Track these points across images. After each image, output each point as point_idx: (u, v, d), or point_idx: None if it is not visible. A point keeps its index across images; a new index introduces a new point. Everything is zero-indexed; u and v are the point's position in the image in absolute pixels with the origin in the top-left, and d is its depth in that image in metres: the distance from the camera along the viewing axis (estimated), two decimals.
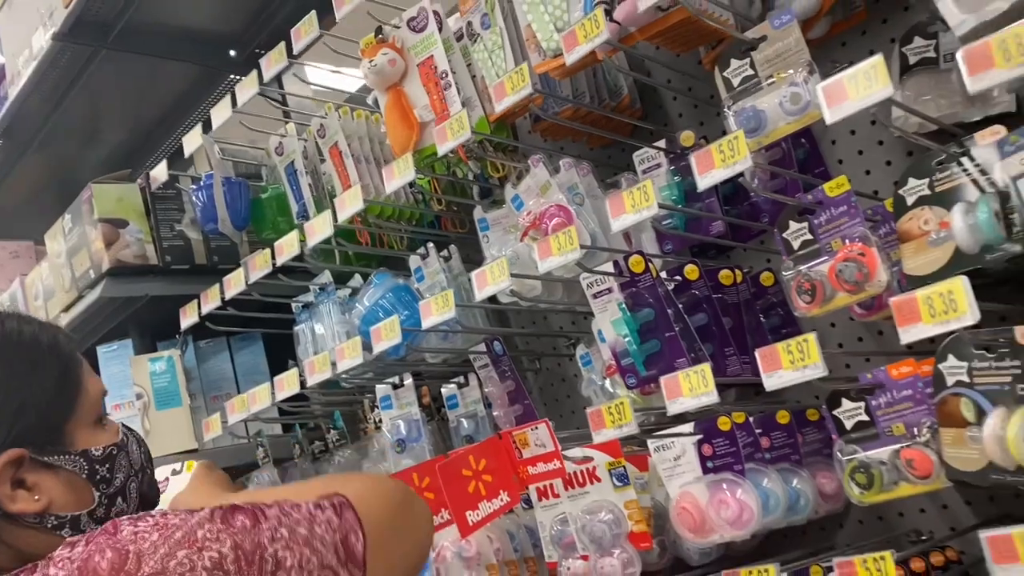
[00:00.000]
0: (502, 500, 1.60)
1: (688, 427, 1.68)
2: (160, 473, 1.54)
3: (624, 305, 1.66)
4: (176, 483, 1.58)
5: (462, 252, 2.32)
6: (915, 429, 1.38)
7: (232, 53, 3.10)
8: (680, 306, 1.67)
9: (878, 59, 1.21)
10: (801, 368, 1.26)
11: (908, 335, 1.18)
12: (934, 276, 1.38)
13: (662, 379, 1.43)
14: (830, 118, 1.24)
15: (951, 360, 1.30)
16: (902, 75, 1.70)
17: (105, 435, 1.18)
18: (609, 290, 1.70)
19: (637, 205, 1.44)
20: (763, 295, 1.89)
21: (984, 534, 1.16)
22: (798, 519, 1.71)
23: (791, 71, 1.51)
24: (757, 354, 1.34)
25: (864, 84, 1.19)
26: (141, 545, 0.96)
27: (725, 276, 1.80)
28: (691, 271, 1.76)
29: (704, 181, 1.40)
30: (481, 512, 1.55)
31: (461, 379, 2.38)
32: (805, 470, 1.72)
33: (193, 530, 0.98)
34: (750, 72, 1.57)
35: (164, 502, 1.51)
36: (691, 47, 1.92)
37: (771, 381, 1.32)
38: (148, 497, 1.25)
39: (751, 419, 1.72)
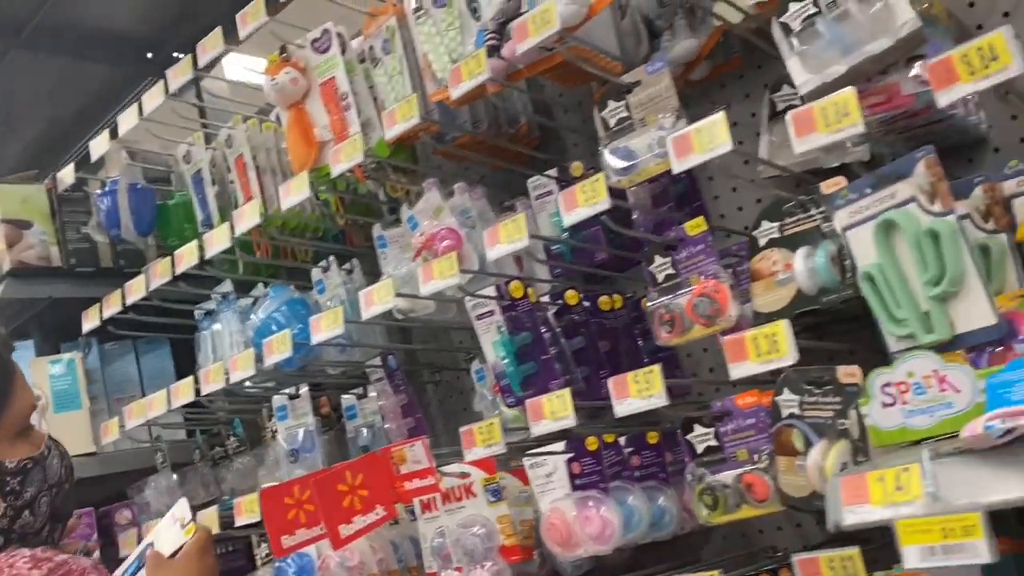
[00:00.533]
0: (377, 514, 1.66)
1: (560, 445, 1.76)
2: (171, 514, 1.51)
3: (503, 328, 1.74)
4: (166, 534, 1.52)
5: (366, 266, 2.37)
6: (756, 455, 1.49)
7: (149, 56, 3.11)
8: (557, 330, 1.76)
9: (719, 117, 1.31)
10: (647, 397, 1.35)
11: (737, 371, 1.28)
12: (779, 313, 1.49)
13: (527, 402, 1.51)
14: (677, 167, 1.34)
15: (786, 393, 1.40)
16: (770, 120, 1.81)
17: (25, 447, 1.21)
18: (491, 312, 1.78)
19: (511, 236, 1.51)
20: (644, 319, 1.99)
21: (796, 557, 1.26)
22: (663, 535, 1.81)
23: (660, 115, 1.61)
24: (609, 383, 1.42)
25: (707, 139, 1.29)
26: None
27: (603, 302, 1.89)
28: (571, 296, 1.84)
29: (569, 219, 1.48)
30: (355, 526, 1.61)
31: (360, 390, 2.43)
32: (672, 488, 1.82)
33: None
34: (625, 114, 1.66)
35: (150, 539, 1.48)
36: (581, 82, 2.01)
37: (620, 408, 1.41)
38: (60, 512, 1.26)
39: (622, 439, 1.82)
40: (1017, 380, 1.10)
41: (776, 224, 1.54)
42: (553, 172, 2.06)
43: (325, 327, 1.84)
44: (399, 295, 1.74)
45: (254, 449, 2.51)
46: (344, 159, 1.80)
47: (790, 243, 1.51)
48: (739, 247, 1.76)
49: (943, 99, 1.07)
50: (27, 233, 2.57)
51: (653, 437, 1.84)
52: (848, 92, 1.17)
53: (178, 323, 2.65)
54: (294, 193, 1.90)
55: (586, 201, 1.43)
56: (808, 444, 1.36)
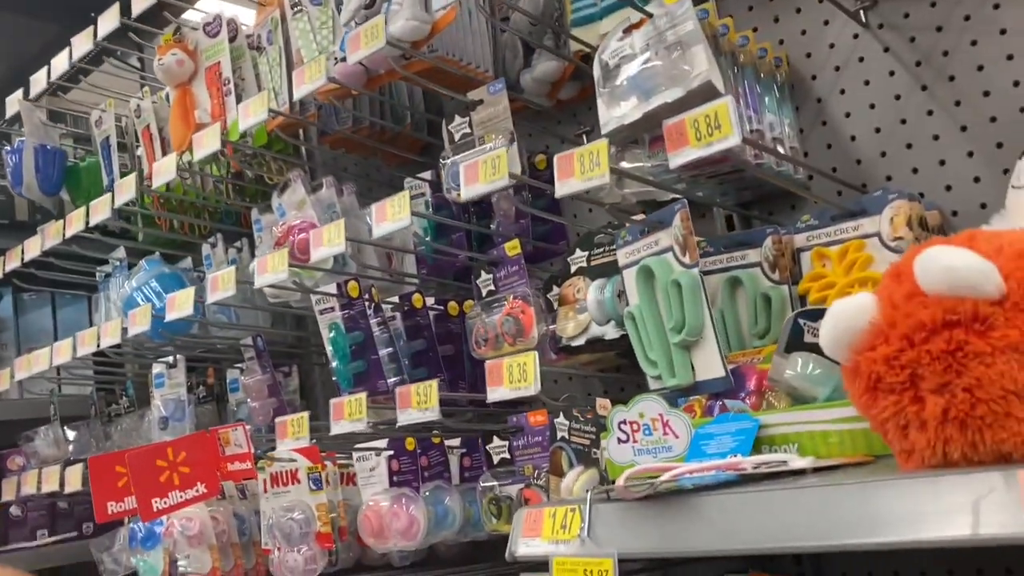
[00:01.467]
0: (197, 491, 1.73)
1: (383, 443, 1.83)
2: None
3: (338, 324, 1.80)
4: None
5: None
6: (538, 471, 1.55)
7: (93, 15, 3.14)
8: (391, 333, 1.82)
9: (502, 151, 1.36)
10: (424, 409, 1.41)
11: (493, 395, 1.34)
12: (574, 339, 1.55)
13: (397, 390, 1.55)
14: (464, 194, 1.39)
15: (561, 417, 1.46)
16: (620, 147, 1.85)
17: None
18: (332, 308, 1.84)
19: (397, 214, 1.55)
20: None
21: None
22: (482, 535, 1.88)
23: (495, 136, 1.65)
24: (396, 393, 1.48)
25: (491, 170, 1.34)
26: None
27: (452, 307, 1.95)
28: (417, 300, 1.90)
29: (378, 230, 1.54)
30: (170, 500, 1.69)
31: (244, 365, 2.51)
32: None
33: None
34: (468, 130, 1.71)
35: None
36: (465, 89, 2.05)
37: (403, 417, 1.47)
38: None
39: (456, 441, 1.88)
40: (718, 433, 1.16)
41: (586, 253, 1.60)
42: (427, 175, 2.11)
43: (178, 306, 1.90)
44: (241, 283, 1.80)
45: (140, 409, 2.60)
46: (206, 145, 1.86)
47: (594, 273, 1.56)
48: None
49: (674, 161, 1.12)
50: None
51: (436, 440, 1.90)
52: (600, 143, 1.22)
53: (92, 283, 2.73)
54: (163, 173, 1.96)
55: (393, 216, 1.49)
56: (571, 467, 1.43)
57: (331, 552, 1.80)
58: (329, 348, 1.80)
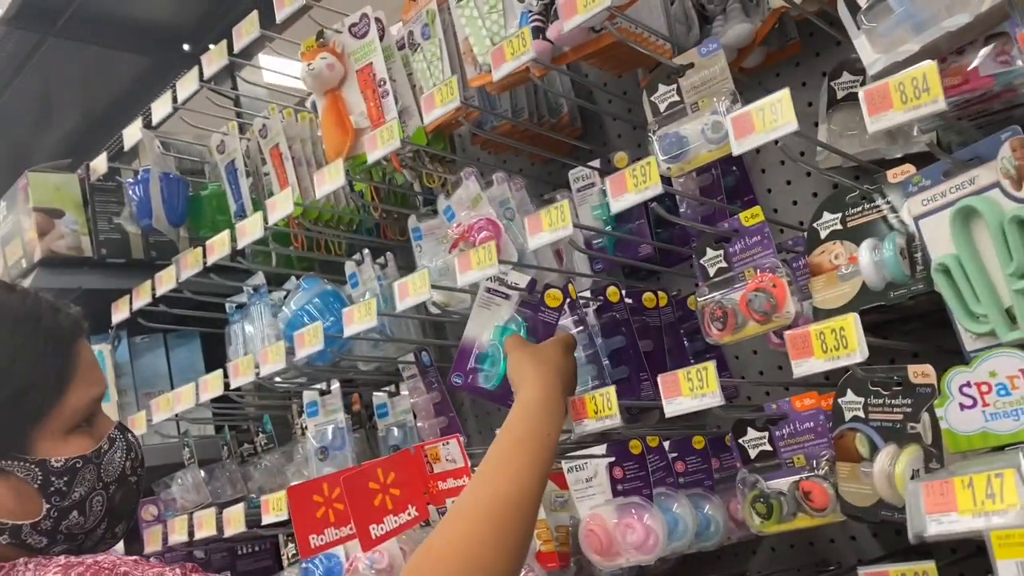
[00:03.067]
0: (409, 515, 1.58)
1: (601, 449, 1.68)
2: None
3: (520, 319, 1.65)
4: None
5: (401, 260, 2.31)
6: (815, 461, 1.39)
7: (186, 47, 3.07)
8: (588, 331, 1.68)
9: (784, 93, 1.22)
10: (700, 396, 1.26)
11: (800, 369, 1.19)
12: (842, 310, 1.39)
13: (571, 400, 1.42)
14: (737, 149, 1.25)
15: (849, 395, 1.31)
16: (829, 108, 1.71)
17: (77, 444, 1.12)
18: (507, 295, 1.69)
19: (554, 224, 1.44)
20: (690, 318, 1.90)
21: (863, 571, 1.17)
22: (708, 545, 1.71)
23: (715, 99, 1.52)
24: (659, 380, 1.34)
25: (771, 117, 1.20)
26: None
27: (648, 299, 1.81)
28: (612, 293, 1.76)
29: (617, 204, 1.40)
30: (386, 526, 1.53)
31: (392, 388, 2.37)
32: (718, 496, 1.72)
33: None
34: (676, 98, 1.58)
35: None
36: (628, 69, 1.93)
37: (671, 407, 1.32)
38: (119, 511, 1.18)
39: (666, 443, 1.73)
40: None
41: (838, 215, 1.45)
42: (596, 163, 1.98)
43: (358, 319, 1.77)
44: (435, 287, 1.66)
45: (283, 446, 2.45)
46: (381, 145, 1.74)
47: (853, 235, 1.41)
48: (794, 242, 1.67)
49: (873, 126, 0.97)
50: (59, 222, 2.54)
51: (699, 442, 1.74)
52: (928, 65, 1.08)
53: (209, 316, 2.61)
54: (329, 181, 1.84)
55: (636, 186, 1.35)
56: (874, 449, 1.26)
57: (562, 571, 1.63)
58: (495, 338, 1.65)
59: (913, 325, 1.51)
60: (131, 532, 2.61)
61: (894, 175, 1.38)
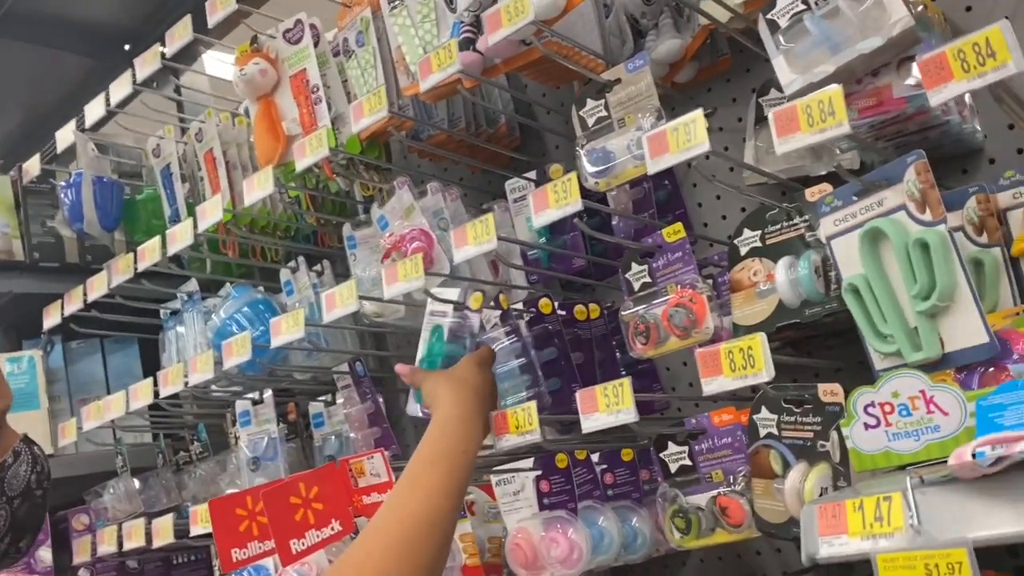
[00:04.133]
0: (332, 529, 1.57)
1: (529, 462, 1.68)
2: None
3: (442, 331, 1.65)
4: None
5: (340, 268, 2.29)
6: (732, 477, 1.40)
7: (127, 47, 3.02)
8: (523, 342, 1.67)
9: (697, 114, 1.23)
10: (616, 412, 1.27)
11: (710, 387, 1.19)
12: (759, 327, 1.40)
13: (492, 414, 1.42)
14: (652, 168, 1.26)
15: (764, 412, 1.32)
16: (757, 124, 1.73)
17: None
18: (445, 314, 1.69)
19: (479, 238, 1.43)
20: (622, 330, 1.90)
21: None
22: (636, 558, 1.71)
23: (640, 115, 1.52)
24: (577, 396, 1.34)
25: (684, 138, 1.21)
26: None
27: (579, 311, 1.81)
28: (544, 305, 1.75)
29: (539, 219, 1.40)
30: (307, 540, 1.52)
31: (328, 397, 2.34)
32: (645, 508, 1.72)
33: None
34: (604, 113, 1.58)
35: None
36: (563, 82, 1.93)
37: (588, 423, 1.32)
38: (24, 525, 1.15)
39: (595, 456, 1.73)
40: (1010, 403, 1.01)
41: (758, 233, 1.46)
42: (532, 174, 1.98)
43: (286, 330, 1.75)
44: (362, 298, 1.65)
45: (217, 455, 2.42)
46: (310, 153, 1.72)
47: (772, 253, 1.43)
48: (720, 257, 1.68)
49: (935, 99, 0.99)
50: None
51: (628, 454, 1.75)
52: (834, 89, 1.09)
53: (146, 323, 2.56)
54: (258, 188, 1.81)
55: (557, 202, 1.35)
56: (787, 466, 1.28)
57: None
58: (422, 350, 1.65)
59: (834, 341, 1.53)
60: (61, 543, 2.56)
61: (811, 193, 1.39)
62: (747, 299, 1.43)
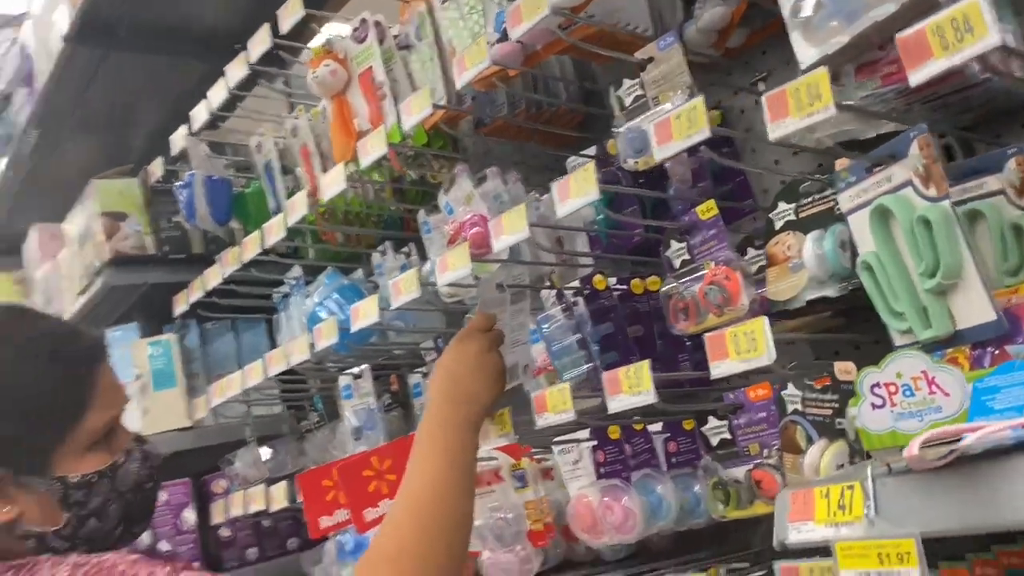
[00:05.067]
0: None
1: (586, 434, 1.75)
2: None
3: None
4: None
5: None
6: (766, 451, 1.42)
7: (237, 47, 3.23)
8: (576, 319, 1.73)
9: (697, 102, 1.24)
10: (637, 393, 1.32)
11: (718, 370, 1.22)
12: (791, 301, 1.41)
13: (605, 375, 1.47)
14: (659, 155, 1.28)
15: (790, 388, 1.33)
16: None
17: (94, 460, 1.22)
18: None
19: (513, 228, 1.49)
20: None
21: (778, 564, 1.21)
22: (701, 522, 1.76)
23: (672, 93, 1.53)
24: (603, 378, 1.39)
25: (685, 125, 1.22)
26: None
27: (636, 285, 1.84)
28: (598, 281, 1.80)
29: (562, 209, 1.45)
30: (380, 510, 1.67)
31: (425, 369, 2.49)
32: None
33: None
34: (640, 92, 1.60)
35: None
36: (612, 60, 1.94)
37: (614, 404, 1.37)
38: (135, 515, 1.29)
39: (659, 425, 1.77)
40: (1004, 385, 1.00)
41: (792, 206, 1.45)
42: (591, 151, 2.01)
43: (363, 315, 1.89)
44: (424, 285, 1.76)
45: (331, 423, 2.63)
46: (371, 150, 1.83)
47: (806, 226, 1.42)
48: None
49: (915, 78, 0.97)
50: (123, 224, 2.78)
51: (689, 424, 1.78)
52: (820, 72, 1.08)
53: (268, 305, 2.80)
54: (332, 185, 1.95)
55: (578, 192, 1.40)
56: (810, 442, 1.29)
57: (543, 550, 1.72)
58: None
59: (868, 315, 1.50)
60: (203, 505, 2.87)
61: (840, 165, 1.37)
62: (781, 273, 1.43)
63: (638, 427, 1.74)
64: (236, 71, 2.34)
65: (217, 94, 2.42)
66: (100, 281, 2.83)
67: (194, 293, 2.59)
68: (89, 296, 2.91)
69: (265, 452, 2.84)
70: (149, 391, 2.73)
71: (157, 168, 2.74)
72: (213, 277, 2.49)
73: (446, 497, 1.25)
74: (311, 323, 2.16)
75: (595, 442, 1.72)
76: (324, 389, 2.79)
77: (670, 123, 1.23)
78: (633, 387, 1.32)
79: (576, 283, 1.84)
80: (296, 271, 2.50)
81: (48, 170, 3.75)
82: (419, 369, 2.49)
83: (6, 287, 3.78)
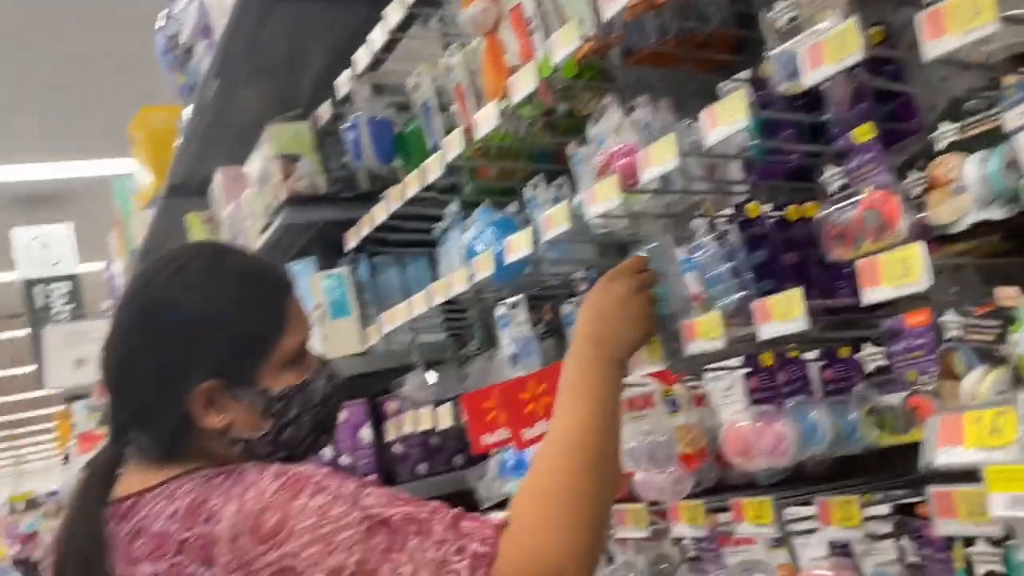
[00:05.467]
0: None
1: (737, 361, 1.77)
2: None
3: None
4: None
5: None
6: (923, 377, 1.40)
7: None
8: (730, 247, 1.74)
9: (849, 24, 1.20)
10: (787, 321, 1.32)
11: (870, 296, 1.21)
12: (953, 225, 1.36)
13: (755, 304, 1.50)
14: (808, 80, 1.25)
15: (950, 314, 1.30)
16: None
17: (290, 376, 1.40)
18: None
19: (662, 158, 1.51)
20: None
21: (932, 489, 1.20)
22: (856, 448, 1.75)
23: (827, 12, 1.48)
24: (752, 307, 1.40)
25: (837, 47, 1.19)
26: (295, 522, 1.21)
27: (791, 212, 1.81)
28: (752, 208, 1.79)
29: (711, 137, 1.45)
30: (536, 430, 1.77)
31: (578, 299, 2.56)
32: None
33: (334, 532, 1.20)
34: (793, 14, 1.55)
35: None
36: None
37: (764, 331, 1.39)
38: (324, 426, 1.47)
39: (815, 352, 1.77)
40: None
41: (956, 125, 1.39)
42: (744, 75, 1.98)
43: (515, 248, 1.97)
44: (575, 215, 1.81)
45: (489, 351, 2.77)
46: (522, 86, 1.88)
47: (970, 146, 1.35)
48: None
49: (932, 51, 0.91)
50: (297, 166, 2.98)
51: (845, 351, 1.76)
52: None
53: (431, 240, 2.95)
54: (484, 123, 2.02)
55: (728, 118, 1.39)
56: (969, 369, 1.26)
57: (696, 472, 1.78)
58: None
59: None
60: (378, 424, 3.10)
61: (1008, 80, 1.29)
62: (943, 197, 1.38)
63: (792, 354, 1.75)
64: (395, 13, 2.43)
65: (377, 36, 2.52)
66: (279, 220, 3.07)
67: (363, 229, 2.77)
68: (270, 233, 3.16)
69: (431, 376, 3.03)
70: (327, 319, 2.95)
71: (325, 111, 2.91)
72: (380, 214, 2.64)
73: (593, 436, 1.34)
74: (469, 256, 2.27)
75: (748, 369, 1.74)
76: (482, 318, 2.93)
77: (821, 46, 1.21)
78: (784, 314, 1.33)
79: (729, 211, 1.84)
80: (454, 206, 2.62)
81: (227, 116, 4.04)
82: (571, 299, 2.56)
83: (198, 225, 4.15)
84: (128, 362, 1.39)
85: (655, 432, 1.85)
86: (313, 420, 1.45)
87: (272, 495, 1.24)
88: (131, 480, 1.38)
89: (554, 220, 1.83)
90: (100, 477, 1.39)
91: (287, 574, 1.20)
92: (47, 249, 8.36)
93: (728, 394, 1.81)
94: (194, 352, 1.36)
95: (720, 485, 2.00)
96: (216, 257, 1.47)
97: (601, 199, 1.65)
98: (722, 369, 1.78)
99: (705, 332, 1.49)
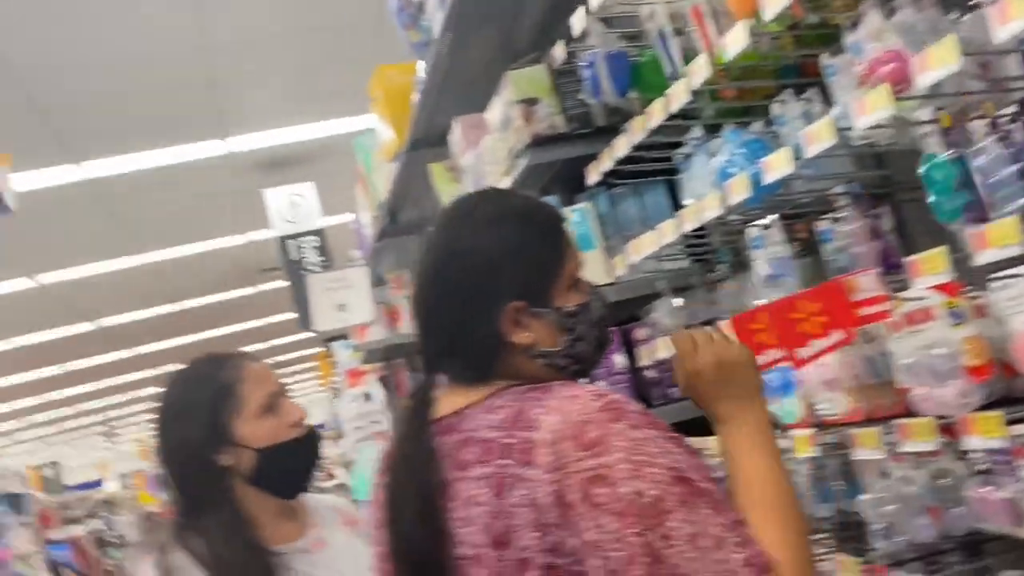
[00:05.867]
0: (835, 338, 1.80)
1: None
2: None
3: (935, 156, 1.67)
4: None
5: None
6: None
7: None
8: (1016, 148, 1.64)
9: None
10: (1004, 246, 1.25)
11: None
12: None
13: (968, 232, 1.48)
14: (999, 36, 1.15)
15: None
16: None
17: (575, 297, 1.58)
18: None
19: (943, 61, 1.45)
20: None
21: None
22: None
23: None
24: (966, 233, 1.33)
25: None
26: (614, 439, 1.36)
27: None
28: None
29: (1002, 32, 1.37)
30: (812, 349, 1.78)
31: (840, 214, 2.50)
32: None
33: (645, 464, 1.34)
34: None
35: None
36: None
37: (980, 257, 1.32)
38: (602, 342, 1.65)
39: None
40: None
41: None
42: None
43: (775, 166, 1.96)
44: (840, 129, 1.78)
45: (738, 274, 2.77)
46: (775, 2, 1.85)
47: None
48: None
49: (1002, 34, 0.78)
50: (536, 108, 3.10)
51: None
52: None
53: (670, 167, 2.98)
54: (735, 43, 2.01)
55: (1020, 13, 1.31)
56: None
57: (984, 385, 1.72)
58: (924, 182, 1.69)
59: None
60: (629, 350, 3.21)
61: None
62: None
63: None
64: None
65: None
66: (522, 162, 3.21)
67: (604, 162, 2.84)
68: (513, 176, 3.32)
69: (677, 302, 3.08)
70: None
71: (559, 52, 2.99)
72: (622, 146, 2.70)
73: (784, 488, 1.44)
74: (721, 179, 2.29)
75: None
76: (728, 242, 2.93)
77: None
78: (1002, 240, 1.25)
79: (1012, 109, 1.73)
80: (697, 131, 2.62)
81: (459, 68, 4.23)
82: (826, 216, 2.50)
83: (441, 174, 4.42)
84: (441, 299, 1.58)
85: (937, 345, 1.80)
86: (596, 336, 1.61)
87: (595, 412, 1.39)
88: (449, 402, 1.57)
89: (817, 135, 1.80)
90: (421, 401, 1.60)
91: (599, 481, 1.34)
92: (296, 207, 9.17)
93: (1015, 303, 1.72)
94: (499, 279, 1.54)
95: (1005, 398, 1.93)
96: (499, 200, 1.70)
97: (871, 109, 1.61)
98: (1011, 277, 1.69)
99: (998, 239, 1.43)
